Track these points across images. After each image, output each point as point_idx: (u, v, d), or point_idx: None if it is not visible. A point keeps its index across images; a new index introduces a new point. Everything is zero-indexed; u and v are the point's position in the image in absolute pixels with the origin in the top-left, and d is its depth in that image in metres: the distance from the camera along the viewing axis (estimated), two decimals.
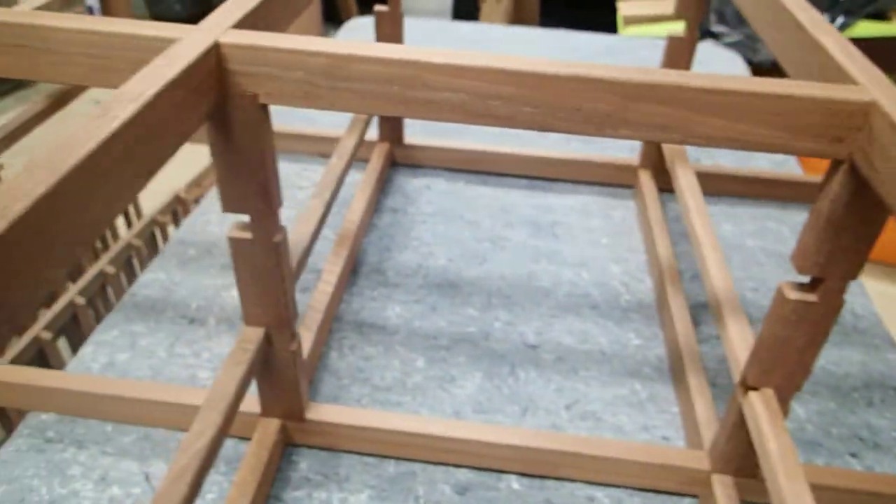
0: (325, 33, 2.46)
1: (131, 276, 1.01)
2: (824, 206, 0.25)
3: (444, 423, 0.38)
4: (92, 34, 0.25)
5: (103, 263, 0.88)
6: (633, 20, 1.48)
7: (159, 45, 0.25)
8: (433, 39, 0.94)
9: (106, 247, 1.01)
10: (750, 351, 0.31)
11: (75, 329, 0.90)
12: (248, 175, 0.27)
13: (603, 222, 0.58)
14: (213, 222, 0.55)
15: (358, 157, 0.64)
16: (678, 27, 0.56)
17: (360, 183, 0.58)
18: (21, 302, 0.15)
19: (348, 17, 2.54)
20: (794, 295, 0.28)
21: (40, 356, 0.77)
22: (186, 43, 0.23)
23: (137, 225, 1.00)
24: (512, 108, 0.24)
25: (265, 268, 0.30)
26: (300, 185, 0.60)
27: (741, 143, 0.25)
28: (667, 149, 0.57)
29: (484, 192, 0.62)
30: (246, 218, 0.29)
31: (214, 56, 0.24)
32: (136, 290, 0.48)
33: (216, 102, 0.25)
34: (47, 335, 0.75)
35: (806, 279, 0.28)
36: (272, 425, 0.36)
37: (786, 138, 0.24)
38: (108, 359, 0.42)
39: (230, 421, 0.29)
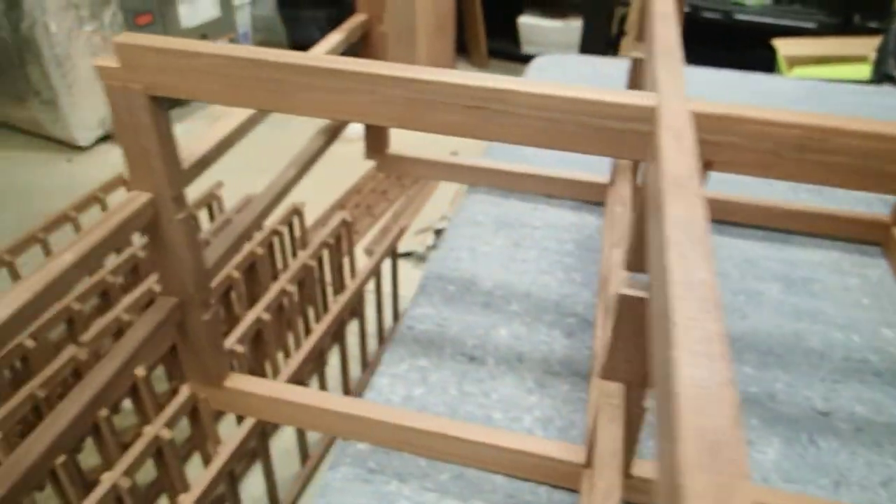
0: (455, 65, 2.52)
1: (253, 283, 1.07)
2: None
3: (766, 491, 0.36)
4: (550, 98, 0.26)
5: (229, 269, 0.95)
6: (797, 61, 1.43)
7: (612, 111, 0.26)
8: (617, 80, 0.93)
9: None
10: None
11: None
12: None
13: (860, 281, 0.56)
14: (464, 259, 0.56)
15: (590, 199, 0.64)
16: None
17: (602, 227, 0.58)
18: None
19: (477, 50, 2.59)
20: None
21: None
22: (671, 113, 0.24)
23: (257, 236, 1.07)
24: None
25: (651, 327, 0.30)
26: (534, 225, 0.61)
27: None
28: None
29: (722, 241, 0.60)
30: (640, 276, 0.29)
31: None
32: (412, 324, 0.49)
33: None
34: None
35: None
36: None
37: None
38: (406, 392, 0.44)
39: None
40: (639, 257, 0.28)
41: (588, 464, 0.37)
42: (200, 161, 0.35)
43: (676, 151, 0.21)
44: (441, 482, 0.38)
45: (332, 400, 0.40)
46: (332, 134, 0.56)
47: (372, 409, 0.39)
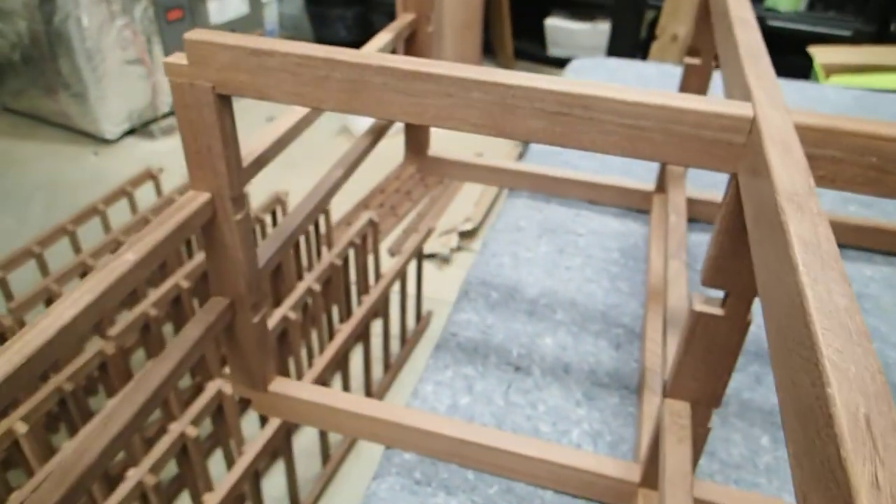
0: (481, 65, 2.51)
1: (277, 281, 1.05)
2: None
3: None
4: (638, 105, 0.25)
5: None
6: (834, 69, 1.40)
7: (705, 120, 0.24)
8: (669, 84, 0.92)
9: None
10: None
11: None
12: (736, 252, 0.26)
13: None
14: (507, 266, 0.55)
15: (633, 206, 0.63)
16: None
17: (647, 235, 0.57)
18: None
19: (503, 51, 2.57)
20: None
21: None
22: (773, 124, 0.23)
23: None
24: None
25: (724, 345, 0.29)
26: (578, 232, 0.60)
27: None
28: None
29: None
30: (714, 293, 0.28)
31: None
32: (455, 331, 0.48)
33: None
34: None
35: None
36: (654, 499, 0.35)
37: None
38: (451, 401, 0.43)
39: None
40: (719, 273, 0.27)
41: (644, 482, 0.36)
42: (257, 160, 0.34)
43: (786, 166, 0.20)
44: (489, 496, 0.37)
45: (381, 408, 0.39)
46: (379, 134, 0.55)
47: (422, 418, 0.38)
